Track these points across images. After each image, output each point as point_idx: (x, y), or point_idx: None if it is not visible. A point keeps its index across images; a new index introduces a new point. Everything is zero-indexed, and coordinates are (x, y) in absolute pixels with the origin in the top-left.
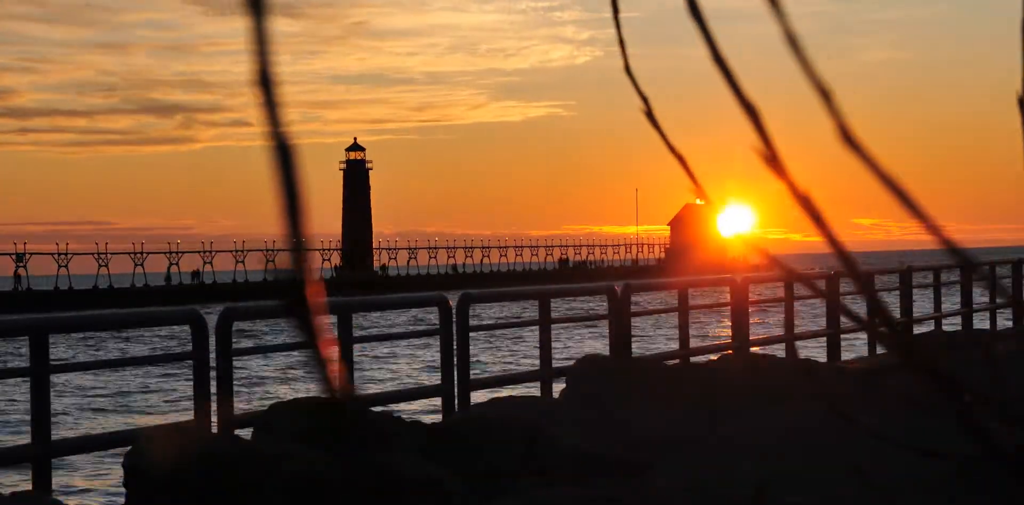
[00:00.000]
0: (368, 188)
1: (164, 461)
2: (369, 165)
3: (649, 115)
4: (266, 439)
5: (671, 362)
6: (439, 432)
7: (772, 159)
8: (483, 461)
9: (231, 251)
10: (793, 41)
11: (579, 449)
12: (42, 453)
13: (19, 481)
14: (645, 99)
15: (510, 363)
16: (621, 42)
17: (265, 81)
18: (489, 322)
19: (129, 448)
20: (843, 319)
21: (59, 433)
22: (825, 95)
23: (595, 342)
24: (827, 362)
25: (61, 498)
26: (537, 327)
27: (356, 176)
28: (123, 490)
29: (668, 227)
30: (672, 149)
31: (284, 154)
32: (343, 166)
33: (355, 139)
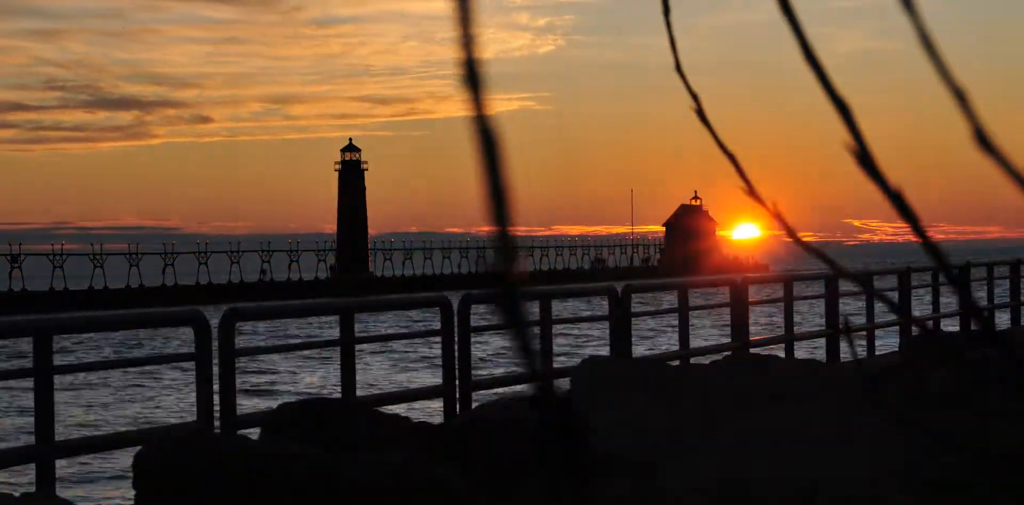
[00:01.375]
0: (363, 189)
1: (173, 462)
2: (365, 166)
3: (699, 113)
4: (274, 440)
5: (672, 363)
6: (445, 433)
7: (864, 157)
8: (489, 462)
9: (226, 252)
10: (927, 41)
11: (585, 449)
12: (46, 453)
13: (22, 482)
14: (695, 97)
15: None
16: (672, 42)
17: (472, 73)
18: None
19: (139, 449)
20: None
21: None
22: (960, 96)
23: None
24: (827, 362)
25: (65, 498)
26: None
27: (352, 177)
28: (130, 490)
29: (664, 228)
30: (723, 147)
31: (490, 146)
32: (338, 167)
33: (350, 139)
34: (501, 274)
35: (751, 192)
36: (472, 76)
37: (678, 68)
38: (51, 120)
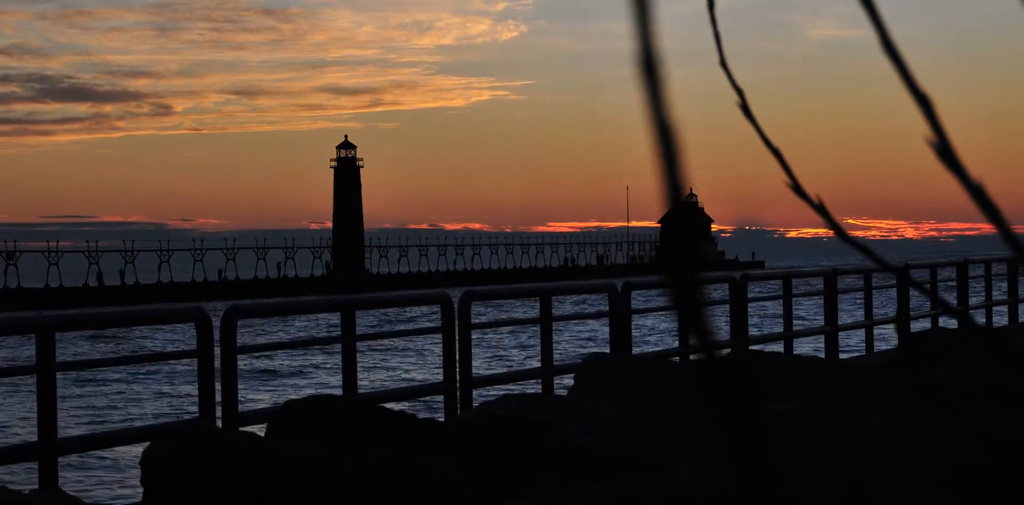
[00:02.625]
0: (359, 186)
1: (183, 459)
2: (360, 163)
3: (744, 108)
4: (281, 437)
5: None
6: (452, 430)
7: (945, 151)
8: (497, 459)
9: (221, 249)
10: None
11: (592, 447)
12: (48, 451)
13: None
14: (740, 92)
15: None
16: (717, 36)
17: (649, 62)
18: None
19: (147, 445)
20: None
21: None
22: None
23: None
24: (827, 359)
25: (73, 495)
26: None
27: (347, 174)
28: (136, 488)
29: (659, 224)
30: (768, 143)
31: (668, 141)
32: (333, 164)
33: (346, 136)
34: (679, 261)
35: (796, 188)
36: (649, 69)
37: (723, 63)
38: None
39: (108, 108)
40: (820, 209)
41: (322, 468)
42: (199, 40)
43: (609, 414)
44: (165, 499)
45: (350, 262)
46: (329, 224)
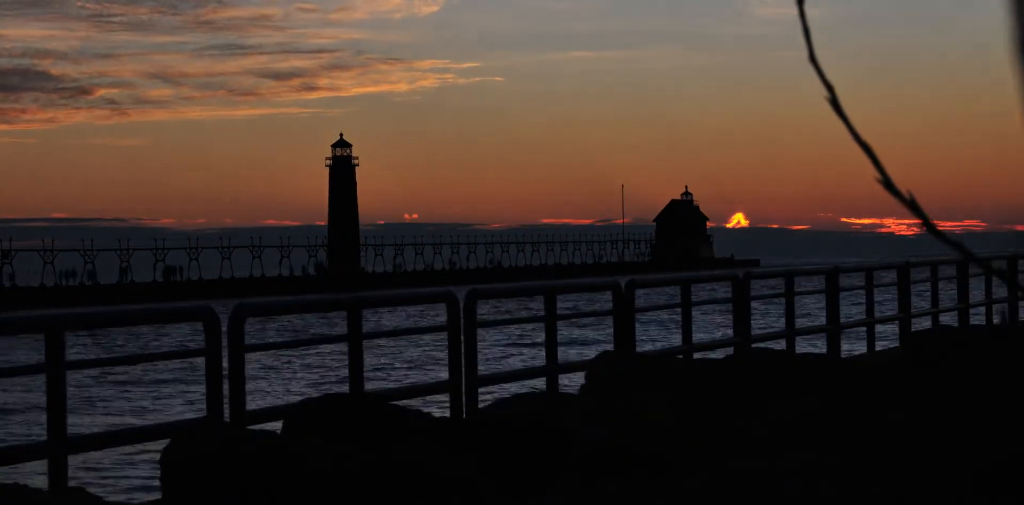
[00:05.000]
0: (355, 184)
1: (201, 456)
2: (356, 161)
3: (834, 103)
4: (297, 435)
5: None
6: (469, 429)
7: None
8: (514, 458)
9: (216, 247)
10: None
11: (606, 445)
12: (58, 449)
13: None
14: (830, 87)
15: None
16: (806, 31)
17: None
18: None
19: (167, 443)
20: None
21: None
22: None
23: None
24: (828, 357)
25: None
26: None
27: (342, 172)
28: (149, 487)
29: (655, 223)
30: (858, 138)
31: None
32: (329, 162)
33: (341, 135)
34: None
35: (887, 183)
36: None
37: (812, 58)
38: None
39: (21, 92)
40: (912, 205)
41: (338, 466)
42: (82, 14)
43: (619, 412)
44: (185, 497)
45: (346, 260)
46: (298, 222)
